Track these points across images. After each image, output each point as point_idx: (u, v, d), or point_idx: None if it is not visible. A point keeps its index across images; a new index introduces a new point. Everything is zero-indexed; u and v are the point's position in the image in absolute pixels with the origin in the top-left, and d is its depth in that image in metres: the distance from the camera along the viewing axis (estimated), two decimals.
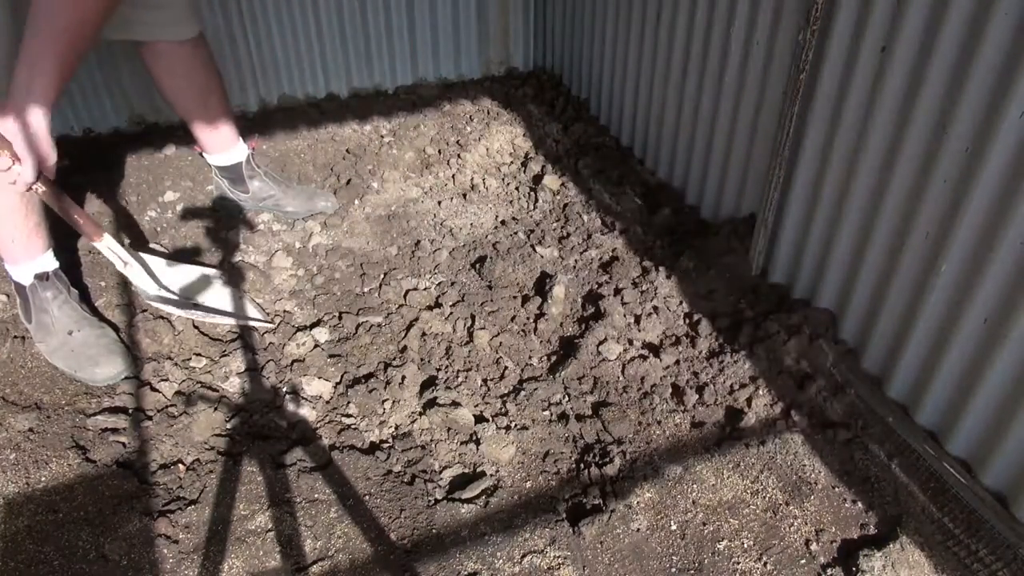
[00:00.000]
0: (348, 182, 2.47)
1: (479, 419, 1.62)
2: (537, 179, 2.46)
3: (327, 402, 1.68)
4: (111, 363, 1.70)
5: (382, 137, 2.73)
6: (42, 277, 1.74)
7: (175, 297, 1.86)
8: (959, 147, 1.32)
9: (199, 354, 1.80)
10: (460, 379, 1.72)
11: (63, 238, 1.96)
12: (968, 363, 1.42)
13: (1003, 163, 1.24)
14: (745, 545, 1.35)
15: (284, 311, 1.94)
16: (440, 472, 1.52)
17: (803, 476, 1.47)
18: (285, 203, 2.28)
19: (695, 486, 1.46)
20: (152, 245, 2.15)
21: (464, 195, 2.41)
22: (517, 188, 2.44)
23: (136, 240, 2.19)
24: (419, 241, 2.19)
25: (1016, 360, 1.31)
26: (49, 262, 1.77)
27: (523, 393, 1.67)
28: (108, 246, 1.70)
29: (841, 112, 1.56)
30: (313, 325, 1.88)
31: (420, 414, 1.62)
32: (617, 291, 1.91)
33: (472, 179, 2.51)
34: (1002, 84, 1.22)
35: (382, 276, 2.05)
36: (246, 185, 2.26)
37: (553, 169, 2.51)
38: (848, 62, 1.52)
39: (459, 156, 2.61)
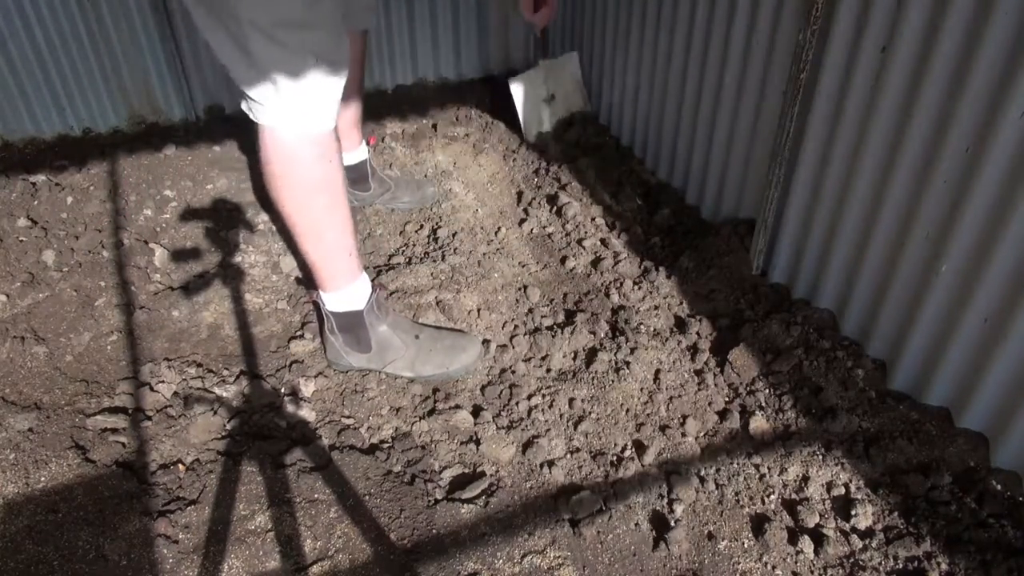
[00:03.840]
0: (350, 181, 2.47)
1: (477, 411, 1.62)
2: (537, 178, 2.46)
3: (327, 402, 1.68)
4: (470, 342, 1.73)
5: (383, 139, 2.73)
6: (374, 298, 1.68)
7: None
8: (959, 147, 1.32)
9: (199, 354, 1.80)
10: (460, 384, 1.72)
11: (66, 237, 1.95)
12: (969, 363, 1.42)
13: (1003, 163, 1.24)
14: (745, 545, 1.35)
15: (280, 309, 1.94)
16: (440, 472, 1.51)
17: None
18: (401, 195, 2.32)
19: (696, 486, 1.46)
20: (152, 245, 2.15)
21: (463, 195, 2.41)
22: (512, 188, 2.44)
23: (136, 240, 2.19)
24: (421, 227, 2.19)
25: (1017, 357, 1.32)
26: (367, 279, 1.70)
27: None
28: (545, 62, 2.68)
29: (841, 112, 1.56)
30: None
31: (420, 420, 1.62)
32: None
33: (472, 179, 2.51)
34: (1002, 84, 1.22)
35: (383, 270, 2.05)
36: (368, 183, 2.27)
37: (552, 171, 2.51)
38: (848, 62, 1.52)
39: (459, 155, 2.61)
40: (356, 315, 1.65)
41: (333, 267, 1.60)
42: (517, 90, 2.61)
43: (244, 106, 1.42)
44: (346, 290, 1.63)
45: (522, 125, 2.68)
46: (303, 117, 1.39)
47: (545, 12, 2.32)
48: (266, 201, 2.31)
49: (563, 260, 2.13)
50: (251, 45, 1.28)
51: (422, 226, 2.27)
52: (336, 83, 1.40)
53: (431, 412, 1.64)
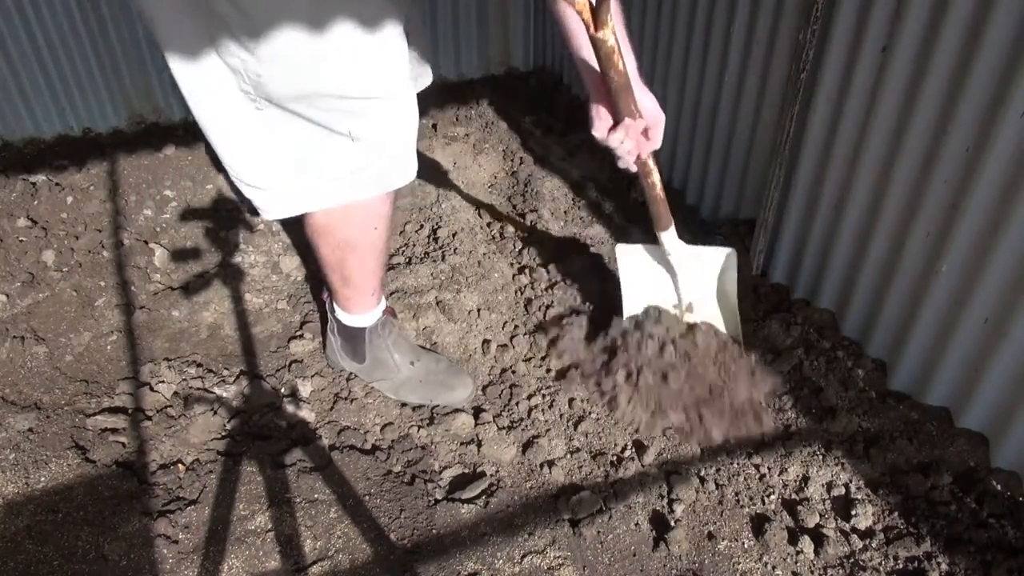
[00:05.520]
0: None
1: (478, 412, 1.62)
2: (535, 181, 2.46)
3: (326, 402, 1.68)
4: (463, 383, 1.67)
5: None
6: (382, 318, 1.65)
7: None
8: (959, 147, 1.32)
9: (199, 354, 1.80)
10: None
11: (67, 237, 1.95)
12: (969, 363, 1.42)
13: (1003, 163, 1.24)
14: (745, 545, 1.35)
15: (280, 309, 1.94)
16: (440, 472, 1.51)
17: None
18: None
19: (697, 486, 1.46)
20: (152, 245, 2.15)
21: (463, 195, 2.41)
22: (513, 188, 2.44)
23: (136, 240, 2.18)
24: (421, 227, 2.19)
25: (1017, 357, 1.31)
26: (383, 304, 1.67)
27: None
28: (671, 238, 1.43)
29: (841, 112, 1.56)
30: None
31: (419, 428, 1.62)
32: None
33: (472, 179, 2.51)
34: (1002, 84, 1.22)
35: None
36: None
37: (551, 171, 2.51)
38: (848, 62, 1.52)
39: (459, 155, 2.61)
40: (360, 330, 1.64)
41: (353, 297, 1.59)
42: (625, 263, 1.64)
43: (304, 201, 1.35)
44: (358, 314, 1.62)
45: (624, 303, 1.67)
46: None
47: (630, 130, 1.22)
48: None
49: None
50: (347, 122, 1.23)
51: (422, 226, 2.26)
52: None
53: (432, 412, 1.64)
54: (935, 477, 1.40)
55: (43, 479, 1.48)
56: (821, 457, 1.47)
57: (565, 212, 2.31)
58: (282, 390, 1.70)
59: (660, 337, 1.56)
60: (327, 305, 1.67)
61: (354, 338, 1.65)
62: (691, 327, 1.58)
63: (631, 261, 1.61)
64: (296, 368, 1.75)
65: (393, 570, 1.33)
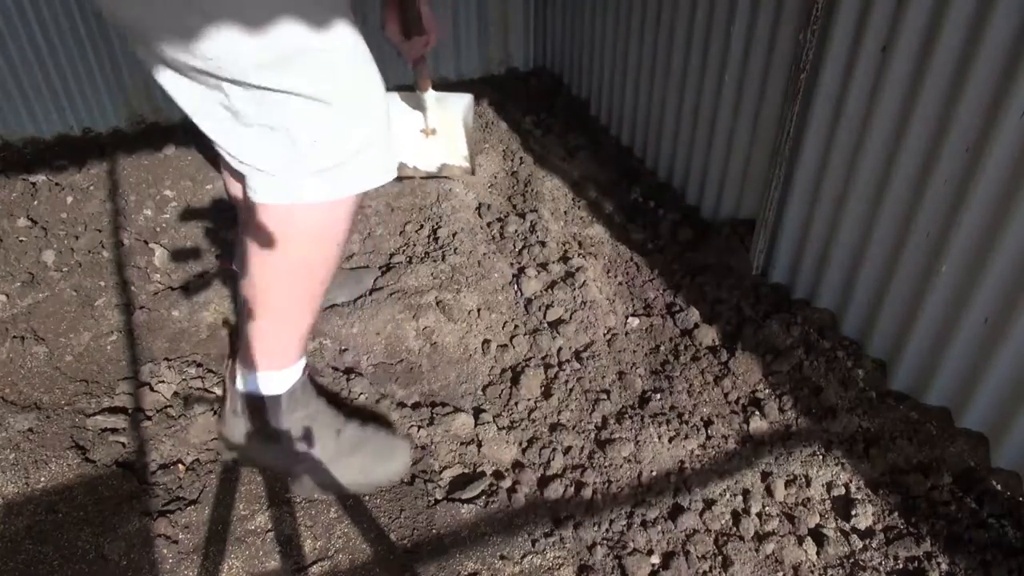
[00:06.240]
0: None
1: (478, 412, 1.62)
2: (535, 181, 2.46)
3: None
4: (399, 448, 1.45)
5: None
6: (302, 378, 1.39)
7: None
8: (959, 147, 1.32)
9: (199, 354, 1.80)
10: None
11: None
12: (969, 363, 1.42)
13: (1004, 163, 1.24)
14: (746, 545, 1.35)
15: None
16: (440, 472, 1.51)
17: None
18: (335, 295, 1.90)
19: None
20: (152, 245, 2.15)
21: (463, 196, 2.41)
22: (513, 188, 2.44)
23: (136, 240, 2.18)
24: (421, 227, 2.19)
25: (1017, 357, 1.32)
26: (303, 361, 1.40)
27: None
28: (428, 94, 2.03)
29: (841, 112, 1.56)
30: None
31: (419, 428, 1.62)
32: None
33: (472, 179, 2.51)
34: (1002, 84, 1.22)
35: (385, 267, 2.05)
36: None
37: (551, 171, 2.51)
38: (848, 62, 1.52)
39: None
40: (273, 399, 1.35)
41: (277, 347, 1.31)
42: (395, 104, 2.15)
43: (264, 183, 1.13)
44: (277, 373, 1.34)
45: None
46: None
47: (418, 41, 1.67)
48: None
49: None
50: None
51: (422, 226, 2.26)
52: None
53: (432, 413, 1.64)
54: (935, 477, 1.40)
55: (43, 479, 1.48)
56: (821, 457, 1.47)
57: (565, 212, 2.31)
58: None
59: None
60: (231, 377, 1.39)
61: (264, 410, 1.36)
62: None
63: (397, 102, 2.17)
64: None
65: (393, 570, 1.33)
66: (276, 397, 1.35)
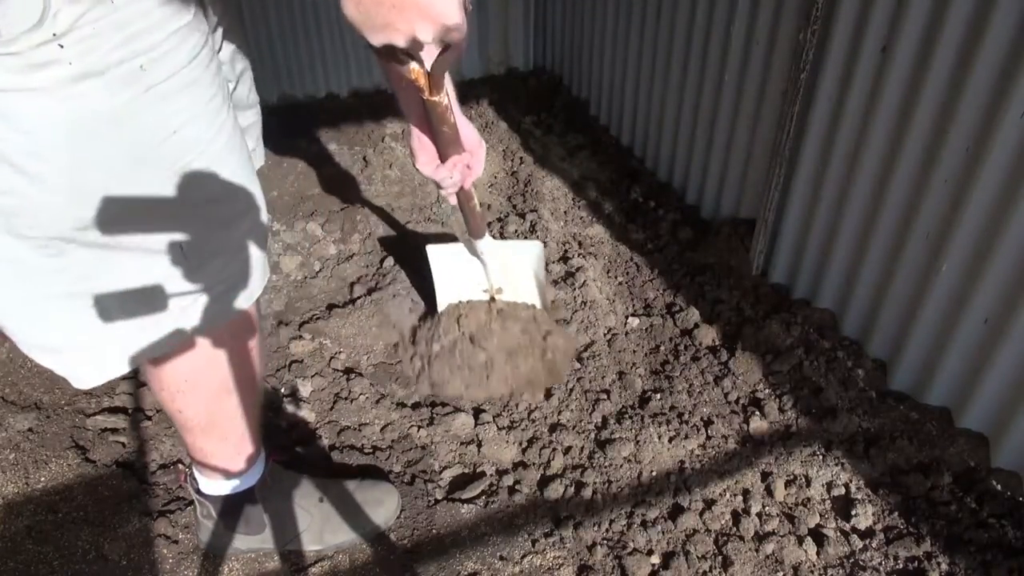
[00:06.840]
0: (349, 180, 2.47)
1: (478, 412, 1.62)
2: (535, 181, 2.47)
3: (325, 402, 1.68)
4: (388, 494, 1.42)
5: (383, 139, 2.73)
6: (268, 465, 1.33)
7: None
8: (959, 147, 1.32)
9: None
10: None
11: None
12: (969, 363, 1.42)
13: (1003, 163, 1.24)
14: (747, 545, 1.35)
15: (279, 310, 1.94)
16: (440, 472, 1.51)
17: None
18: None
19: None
20: None
21: None
22: (513, 188, 2.44)
23: None
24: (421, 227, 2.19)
25: (1017, 357, 1.32)
26: (262, 452, 1.33)
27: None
28: (487, 242, 1.53)
29: (841, 112, 1.56)
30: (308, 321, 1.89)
31: (419, 428, 1.62)
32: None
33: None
34: (1002, 84, 1.22)
35: (390, 270, 2.05)
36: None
37: (551, 171, 2.51)
38: (848, 62, 1.52)
39: None
40: (246, 493, 1.30)
41: (233, 453, 1.25)
42: (436, 262, 1.70)
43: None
44: (239, 471, 1.28)
45: (437, 297, 1.75)
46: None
47: (459, 162, 1.17)
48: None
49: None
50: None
51: (422, 226, 2.27)
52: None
53: (432, 413, 1.64)
54: (935, 477, 1.40)
55: (43, 479, 1.48)
56: (821, 457, 1.47)
57: (565, 212, 2.31)
58: (282, 390, 1.70)
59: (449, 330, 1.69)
60: (189, 487, 1.32)
61: (240, 506, 1.31)
62: (499, 311, 1.70)
63: (442, 260, 1.69)
64: (296, 368, 1.75)
65: (393, 570, 1.33)
66: (248, 491, 1.31)
